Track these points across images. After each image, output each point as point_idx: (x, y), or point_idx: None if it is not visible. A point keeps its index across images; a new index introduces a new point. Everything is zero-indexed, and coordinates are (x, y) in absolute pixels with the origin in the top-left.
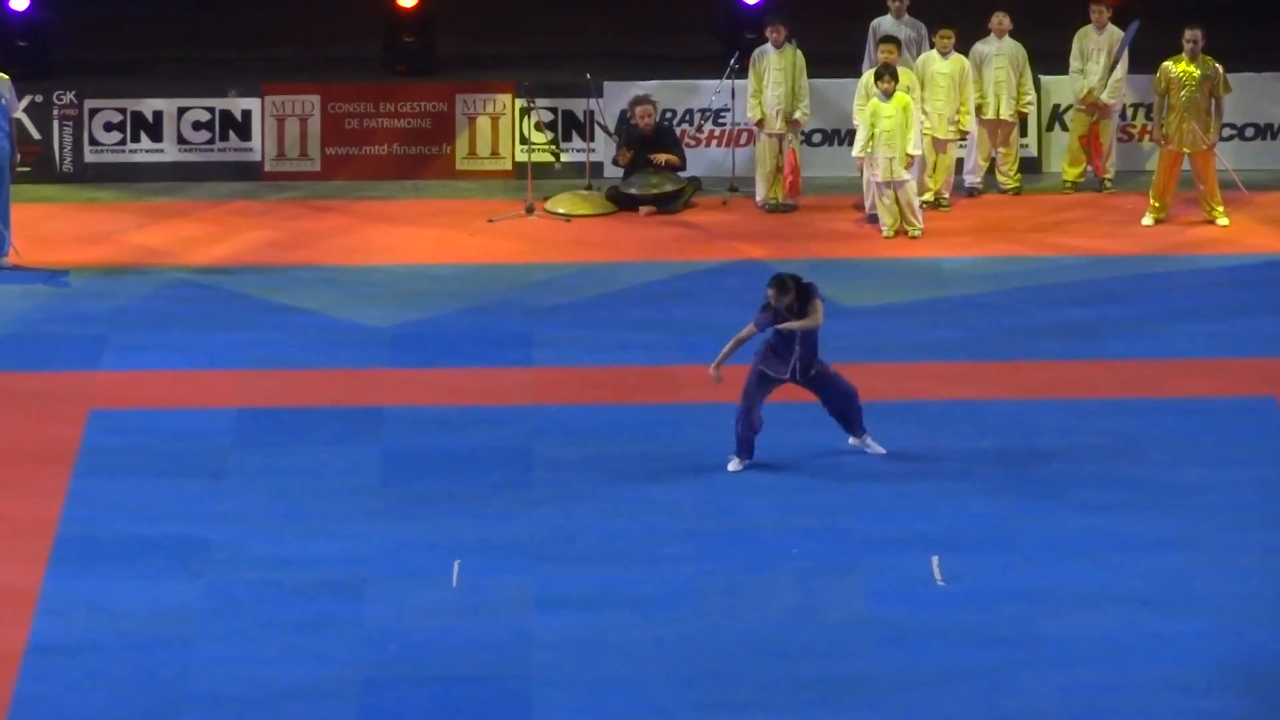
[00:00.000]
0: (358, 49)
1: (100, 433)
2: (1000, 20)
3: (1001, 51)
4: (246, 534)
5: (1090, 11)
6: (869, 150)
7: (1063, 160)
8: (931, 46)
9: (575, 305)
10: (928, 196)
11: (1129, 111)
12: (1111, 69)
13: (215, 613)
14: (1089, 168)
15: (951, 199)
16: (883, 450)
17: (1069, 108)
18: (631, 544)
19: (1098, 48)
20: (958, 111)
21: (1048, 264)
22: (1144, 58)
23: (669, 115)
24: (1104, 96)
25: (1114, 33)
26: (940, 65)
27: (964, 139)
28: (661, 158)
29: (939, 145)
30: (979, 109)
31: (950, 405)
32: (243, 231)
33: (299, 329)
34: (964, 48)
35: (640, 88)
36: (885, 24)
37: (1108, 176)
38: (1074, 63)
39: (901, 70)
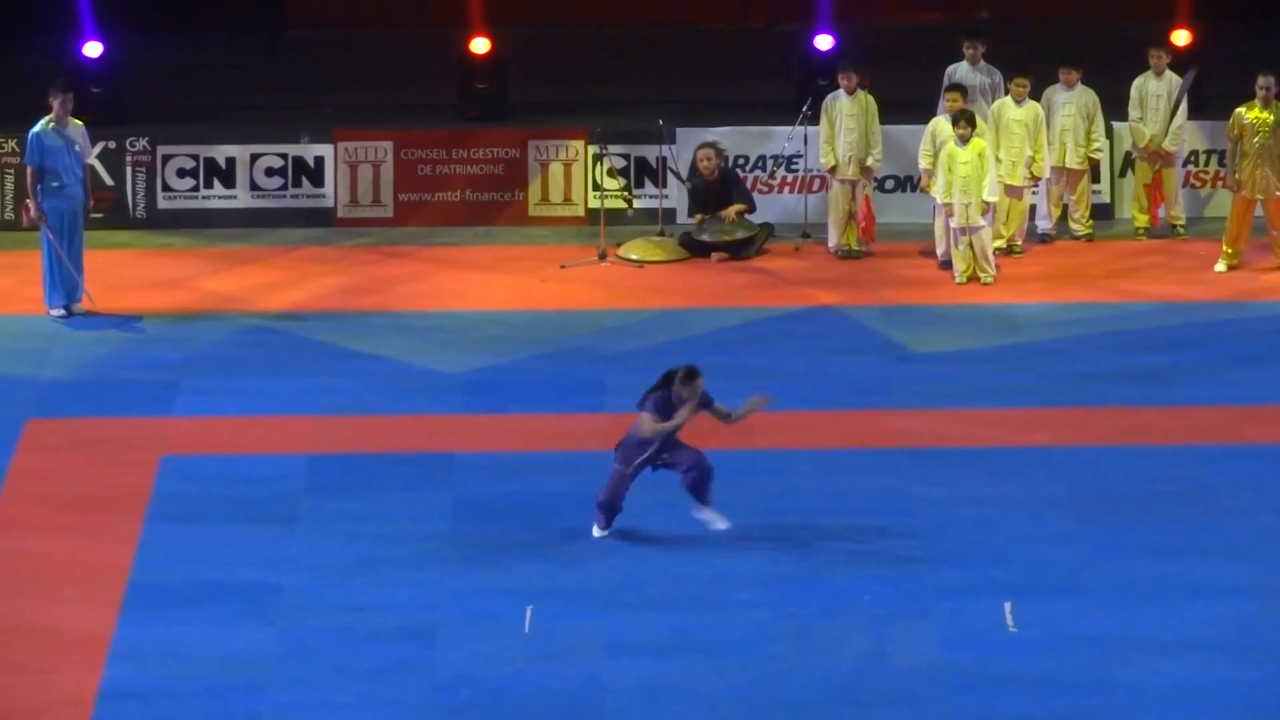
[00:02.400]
0: (431, 95)
1: (173, 478)
2: (1069, 74)
3: (1070, 100)
4: (319, 580)
5: (1149, 58)
6: (949, 197)
7: (1132, 207)
8: (1006, 93)
9: (648, 351)
10: (999, 243)
11: (1201, 158)
12: (1172, 116)
13: (287, 658)
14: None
15: (1024, 245)
16: (726, 525)
17: None
18: (703, 590)
19: (1157, 94)
20: (1032, 158)
21: (1120, 310)
22: (1215, 104)
23: (741, 161)
24: (1166, 144)
25: (1173, 79)
26: (1014, 112)
27: (1036, 184)
28: (731, 212)
29: (1013, 192)
30: None
31: (1022, 451)
32: (315, 278)
33: (371, 375)
34: (1036, 94)
35: (713, 134)
36: (961, 70)
37: (1179, 223)
38: (1133, 111)
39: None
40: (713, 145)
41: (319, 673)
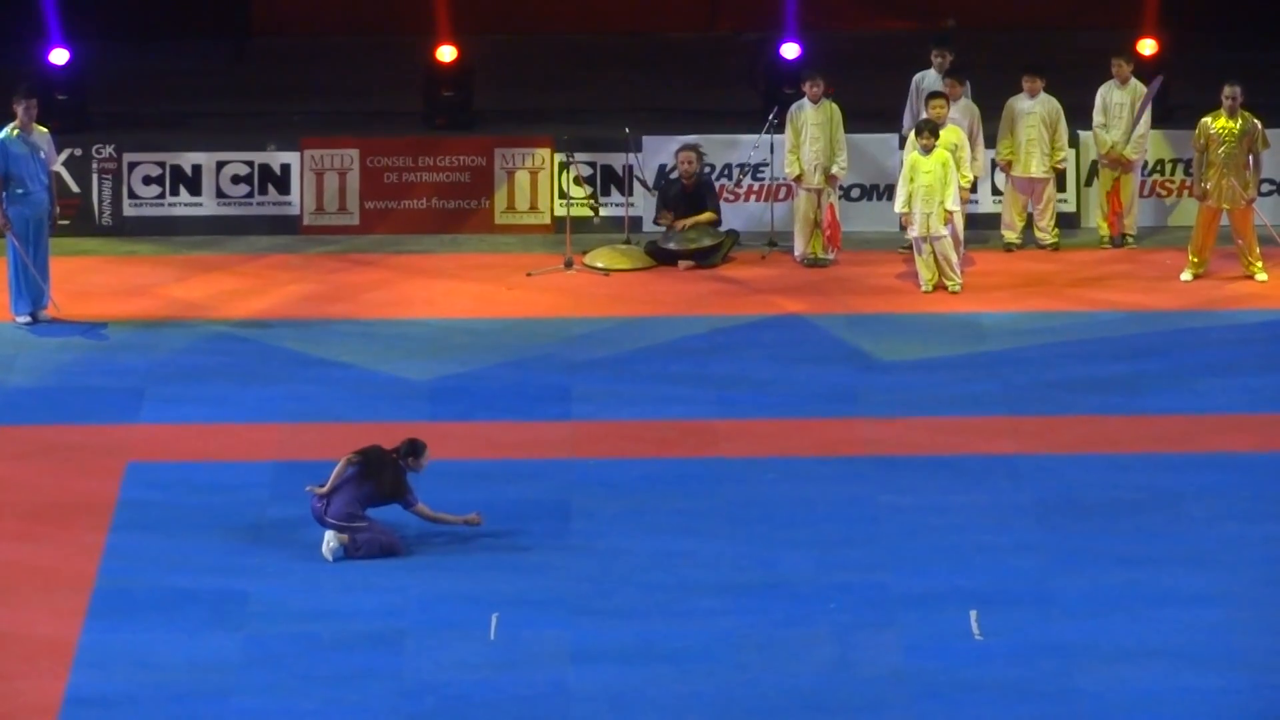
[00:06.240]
0: (397, 103)
1: (138, 486)
2: (1033, 82)
3: (1034, 109)
4: (284, 587)
5: (1111, 66)
6: (908, 207)
7: (1098, 216)
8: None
9: (613, 359)
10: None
11: (1167, 167)
12: (1135, 124)
13: (253, 666)
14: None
15: (988, 254)
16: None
17: None
18: (669, 597)
19: (1120, 103)
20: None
21: (1086, 319)
22: (1180, 114)
23: (707, 169)
24: (1126, 152)
25: (1137, 88)
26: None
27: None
28: (688, 221)
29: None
30: (1010, 165)
31: (988, 460)
32: (281, 285)
33: (337, 382)
34: (1000, 102)
35: (679, 142)
36: (929, 78)
37: (1130, 233)
38: (1097, 117)
39: (950, 129)
40: (694, 148)
41: (284, 680)
